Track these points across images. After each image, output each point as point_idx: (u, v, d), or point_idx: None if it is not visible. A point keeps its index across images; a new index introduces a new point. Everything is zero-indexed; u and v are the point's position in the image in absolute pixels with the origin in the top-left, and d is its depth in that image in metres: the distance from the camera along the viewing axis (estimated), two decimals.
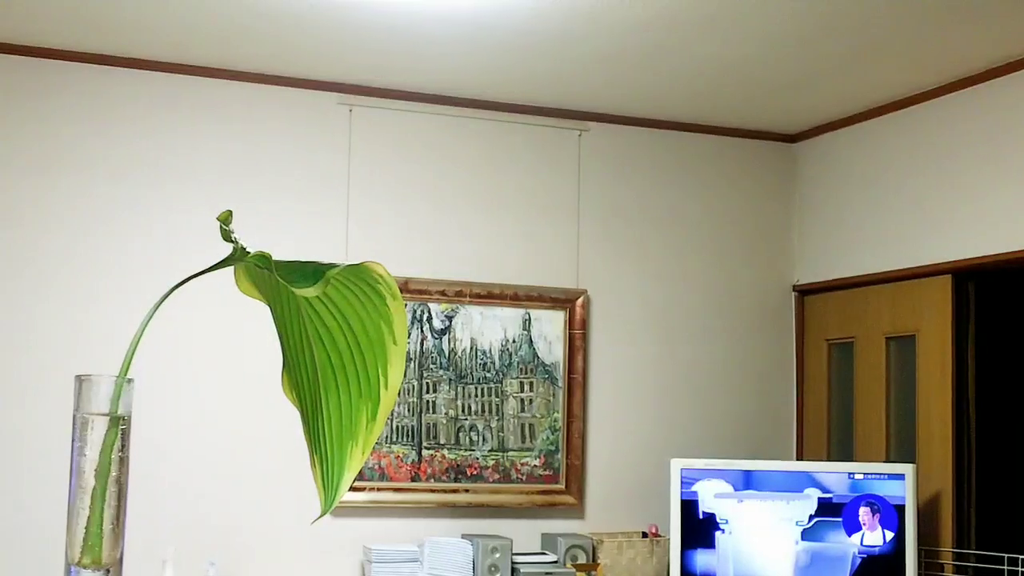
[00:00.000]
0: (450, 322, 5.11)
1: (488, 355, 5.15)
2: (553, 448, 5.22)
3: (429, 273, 5.09)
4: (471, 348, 5.13)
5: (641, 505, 5.28)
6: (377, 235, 5.05)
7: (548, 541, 5.10)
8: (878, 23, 4.20)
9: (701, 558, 4.81)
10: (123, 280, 4.68)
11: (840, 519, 4.74)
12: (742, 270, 5.63)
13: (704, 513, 4.82)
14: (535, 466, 5.19)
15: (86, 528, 1.27)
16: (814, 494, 4.76)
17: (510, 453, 5.16)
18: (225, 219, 1.29)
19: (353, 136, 5.06)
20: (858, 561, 4.71)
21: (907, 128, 5.08)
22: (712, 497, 4.82)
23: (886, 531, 4.69)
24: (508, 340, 5.18)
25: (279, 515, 4.79)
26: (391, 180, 5.10)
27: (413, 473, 5.03)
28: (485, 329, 5.15)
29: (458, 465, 5.09)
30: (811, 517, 4.76)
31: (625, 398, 5.38)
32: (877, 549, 4.70)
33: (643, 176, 5.50)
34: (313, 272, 1.23)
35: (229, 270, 1.32)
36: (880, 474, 4.73)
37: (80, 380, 1.31)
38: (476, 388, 5.13)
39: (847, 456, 5.32)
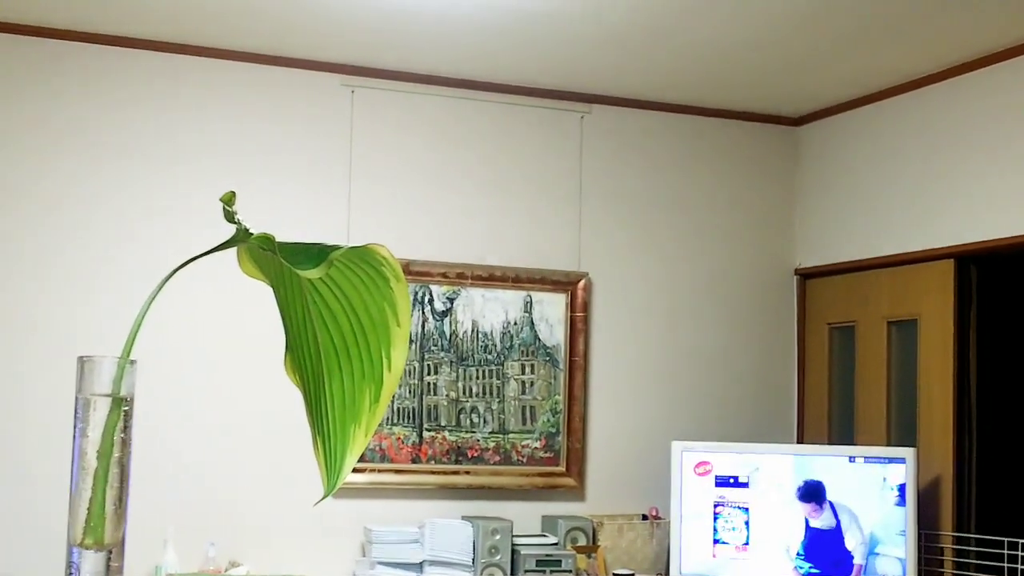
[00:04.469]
0: (451, 304, 5.10)
1: (489, 337, 5.15)
2: (554, 430, 5.22)
3: (431, 255, 5.09)
4: (472, 330, 5.13)
5: (642, 487, 5.29)
6: (379, 217, 5.04)
7: (548, 523, 5.11)
8: (882, 6, 4.18)
9: (703, 539, 4.82)
10: (126, 261, 4.67)
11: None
12: (744, 254, 5.63)
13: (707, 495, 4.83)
14: (536, 448, 5.19)
15: (88, 509, 1.27)
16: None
17: (511, 435, 5.16)
18: (228, 200, 1.28)
19: (355, 118, 5.05)
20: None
21: (910, 112, 5.07)
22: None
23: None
24: (509, 322, 5.18)
25: (280, 496, 4.79)
26: (393, 162, 5.09)
27: (414, 455, 5.03)
28: (486, 311, 5.15)
29: (459, 447, 5.09)
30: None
31: (626, 381, 5.38)
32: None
33: (645, 159, 5.49)
34: (317, 254, 1.23)
35: (232, 251, 1.32)
36: (881, 457, 4.74)
37: (83, 361, 1.31)
38: (477, 370, 5.14)
39: (848, 440, 5.32)
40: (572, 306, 5.27)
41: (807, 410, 5.59)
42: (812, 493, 4.76)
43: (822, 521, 4.72)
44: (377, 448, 4.96)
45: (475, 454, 5.11)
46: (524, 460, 5.18)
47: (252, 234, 1.26)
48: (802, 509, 4.77)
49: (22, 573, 4.27)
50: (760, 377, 5.60)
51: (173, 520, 4.57)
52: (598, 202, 5.38)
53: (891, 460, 4.71)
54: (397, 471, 5.00)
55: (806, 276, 5.67)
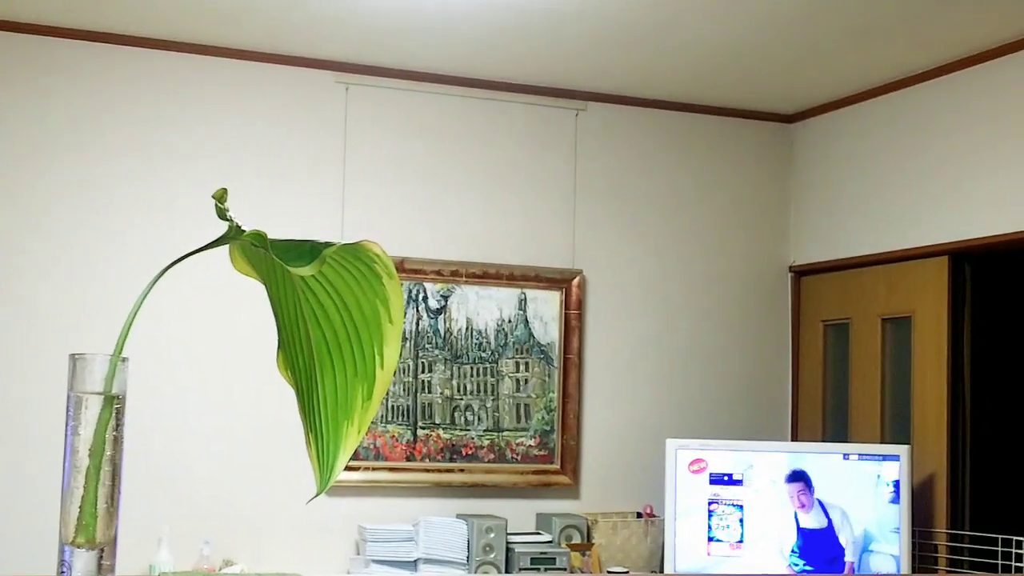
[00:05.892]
0: (446, 302, 5.10)
1: (484, 335, 5.15)
2: (548, 428, 5.22)
3: (425, 253, 5.08)
4: (467, 328, 5.13)
5: (636, 485, 5.29)
6: (373, 214, 5.04)
7: (543, 521, 5.11)
8: (876, 4, 4.18)
9: (697, 537, 4.82)
10: (118, 259, 4.66)
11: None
12: (738, 251, 5.63)
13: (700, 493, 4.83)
14: (530, 446, 5.19)
15: (80, 507, 1.26)
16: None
17: (505, 433, 5.16)
18: (220, 197, 1.27)
19: (349, 115, 5.04)
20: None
21: (904, 109, 5.07)
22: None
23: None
24: (504, 320, 5.18)
25: (274, 494, 4.79)
26: (387, 159, 5.09)
27: (408, 453, 5.03)
28: (481, 309, 5.15)
29: (453, 445, 5.09)
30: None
31: (621, 378, 5.38)
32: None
33: (640, 156, 5.49)
34: (309, 251, 1.22)
35: (224, 249, 1.31)
36: (875, 455, 4.74)
37: (74, 359, 1.30)
38: (471, 368, 5.13)
39: (842, 437, 5.32)
40: (566, 304, 5.27)
41: (801, 407, 5.60)
42: (799, 475, 4.76)
43: (813, 520, 4.72)
44: (371, 446, 4.96)
45: (469, 452, 5.11)
46: (518, 458, 5.17)
47: (244, 231, 1.26)
48: (790, 492, 4.75)
49: (14, 571, 4.26)
50: (754, 374, 5.61)
51: (167, 518, 4.56)
52: (592, 199, 5.38)
53: (885, 457, 4.71)
54: (391, 469, 4.99)
55: (800, 273, 5.67)
